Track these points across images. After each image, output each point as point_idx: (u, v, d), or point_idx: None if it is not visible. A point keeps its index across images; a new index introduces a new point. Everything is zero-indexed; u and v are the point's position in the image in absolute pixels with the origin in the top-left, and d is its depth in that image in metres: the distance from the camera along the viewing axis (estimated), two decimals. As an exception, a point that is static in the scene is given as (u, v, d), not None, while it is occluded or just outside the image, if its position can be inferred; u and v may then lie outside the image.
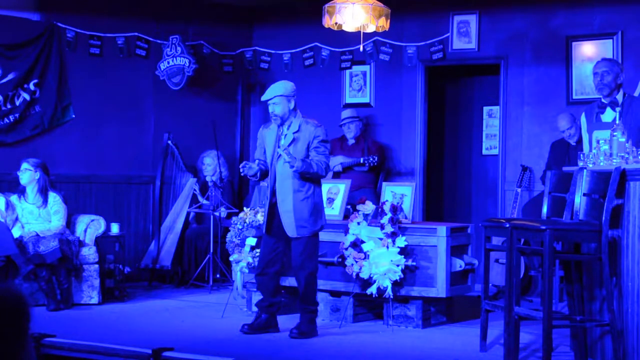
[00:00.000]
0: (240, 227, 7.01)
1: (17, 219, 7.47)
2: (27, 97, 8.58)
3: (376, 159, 8.54)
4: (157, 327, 6.44)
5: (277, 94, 6.11)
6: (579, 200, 5.23)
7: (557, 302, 6.98)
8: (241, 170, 6.18)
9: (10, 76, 8.49)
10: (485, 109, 9.50)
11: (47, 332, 5.66)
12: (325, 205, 7.19)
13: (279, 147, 6.09)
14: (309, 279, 6.14)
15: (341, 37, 8.50)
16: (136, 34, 9.08)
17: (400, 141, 9.07)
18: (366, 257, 6.52)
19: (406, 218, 6.69)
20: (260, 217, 6.91)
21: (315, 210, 6.10)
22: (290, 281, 7.02)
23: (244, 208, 7.29)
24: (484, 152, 9.54)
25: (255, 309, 7.10)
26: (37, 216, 7.51)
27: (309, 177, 6.04)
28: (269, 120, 9.82)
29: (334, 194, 7.25)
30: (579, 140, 7.22)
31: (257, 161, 6.27)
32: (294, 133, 6.11)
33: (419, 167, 8.97)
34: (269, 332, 6.23)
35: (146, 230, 9.13)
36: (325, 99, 9.40)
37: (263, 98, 6.26)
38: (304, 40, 9.39)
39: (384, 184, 7.40)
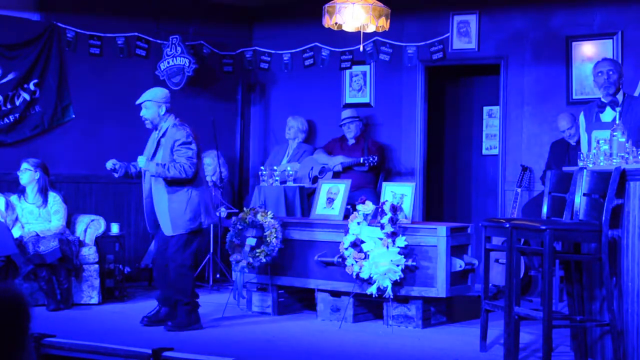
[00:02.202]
0: (240, 227, 7.02)
1: (17, 219, 7.48)
2: (27, 97, 8.58)
3: (376, 159, 8.54)
4: (157, 327, 6.43)
5: (147, 99, 6.47)
6: (579, 200, 5.23)
7: (557, 302, 6.98)
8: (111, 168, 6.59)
9: (10, 76, 8.49)
10: (485, 109, 9.50)
11: (47, 332, 5.68)
12: (325, 205, 7.21)
13: (154, 151, 6.47)
14: (178, 270, 6.38)
15: (341, 37, 8.50)
16: (136, 34, 9.08)
17: (400, 141, 9.07)
18: (366, 257, 6.51)
19: (406, 218, 6.69)
20: (261, 217, 6.93)
21: (190, 210, 6.36)
22: (290, 281, 7.03)
23: (244, 208, 7.29)
24: (484, 152, 9.55)
25: (255, 308, 7.13)
26: (37, 216, 7.51)
27: (179, 180, 6.33)
28: (269, 120, 9.89)
29: (334, 194, 7.25)
30: (579, 140, 7.22)
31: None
32: (160, 138, 6.45)
33: (419, 167, 8.97)
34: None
35: (146, 230, 9.09)
36: (325, 99, 9.40)
37: (136, 102, 6.54)
38: (304, 40, 9.39)
39: (384, 183, 7.40)
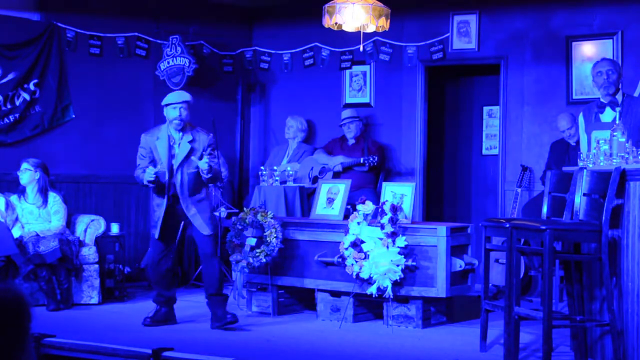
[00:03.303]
0: (240, 227, 7.02)
1: (17, 219, 7.48)
2: (27, 97, 8.58)
3: (376, 159, 8.54)
4: (157, 327, 6.44)
5: (185, 100, 6.49)
6: (579, 200, 5.23)
7: (557, 302, 6.98)
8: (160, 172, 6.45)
9: (10, 76, 8.49)
10: (485, 109, 9.50)
11: (47, 332, 5.67)
12: (325, 205, 7.22)
13: (172, 155, 6.45)
14: (222, 265, 6.62)
15: (341, 37, 8.50)
16: (136, 34, 9.08)
17: (400, 141, 9.07)
18: (366, 257, 6.51)
19: (406, 218, 6.69)
20: (261, 217, 6.93)
21: (212, 209, 6.66)
22: (290, 281, 7.03)
23: (244, 208, 7.29)
24: (484, 152, 9.55)
25: (255, 308, 7.14)
26: (37, 216, 7.51)
27: (206, 182, 6.51)
28: (269, 120, 9.87)
29: (334, 194, 7.25)
30: (579, 140, 7.22)
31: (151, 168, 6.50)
32: (189, 142, 6.48)
33: (419, 167, 8.97)
34: (168, 324, 6.56)
35: (146, 230, 9.12)
36: (325, 99, 9.40)
37: (169, 101, 6.50)
38: (304, 40, 9.39)
39: (384, 183, 7.41)
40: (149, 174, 6.39)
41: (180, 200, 6.46)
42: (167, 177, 6.45)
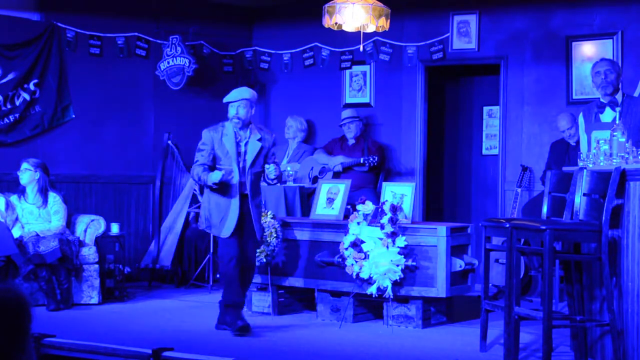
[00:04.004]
0: (240, 227, 7.01)
1: (17, 219, 7.48)
2: (27, 97, 8.58)
3: (376, 159, 8.54)
4: (157, 327, 6.44)
5: (245, 97, 6.28)
6: (579, 200, 5.24)
7: (557, 302, 6.97)
8: (229, 177, 6.23)
9: (10, 76, 8.49)
10: (485, 109, 9.50)
11: (47, 332, 5.67)
12: (325, 205, 7.22)
13: (239, 153, 6.26)
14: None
15: (341, 37, 8.50)
16: (136, 34, 9.08)
17: (400, 141, 9.07)
18: (366, 257, 6.51)
19: (406, 218, 6.69)
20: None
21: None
22: (290, 281, 7.04)
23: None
24: (484, 152, 9.55)
25: (255, 308, 7.13)
26: (37, 216, 7.51)
27: (269, 184, 6.50)
28: (269, 120, 9.87)
29: (334, 194, 7.25)
30: (580, 140, 7.22)
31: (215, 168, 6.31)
32: (258, 140, 6.31)
33: (419, 167, 8.97)
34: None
35: (146, 230, 9.13)
36: (325, 99, 9.40)
37: (228, 99, 6.34)
38: (304, 40, 9.39)
39: (384, 183, 7.41)
40: (216, 177, 6.10)
41: (249, 201, 6.26)
42: (236, 176, 6.22)
